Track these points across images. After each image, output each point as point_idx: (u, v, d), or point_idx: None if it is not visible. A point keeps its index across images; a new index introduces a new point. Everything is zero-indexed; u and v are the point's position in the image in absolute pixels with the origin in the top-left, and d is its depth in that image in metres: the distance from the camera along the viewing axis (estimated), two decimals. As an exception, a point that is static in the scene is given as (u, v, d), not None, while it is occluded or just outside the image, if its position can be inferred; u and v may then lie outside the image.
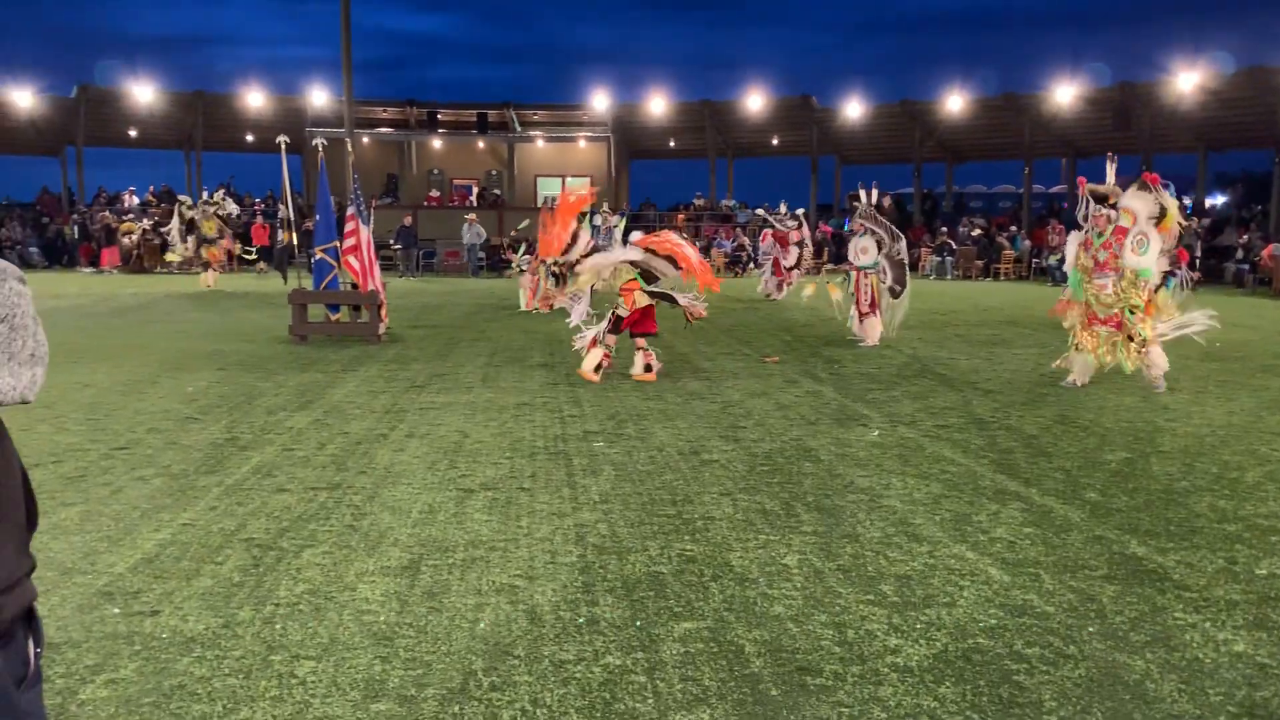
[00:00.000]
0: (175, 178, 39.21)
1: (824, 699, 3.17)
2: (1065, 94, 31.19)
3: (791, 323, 15.84)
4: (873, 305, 12.94)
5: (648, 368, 9.98)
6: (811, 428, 7.52)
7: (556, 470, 6.18)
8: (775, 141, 39.10)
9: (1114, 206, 9.05)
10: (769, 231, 22.39)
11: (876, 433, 7.33)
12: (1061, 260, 25.17)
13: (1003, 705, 3.14)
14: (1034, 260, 30.01)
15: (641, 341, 10.05)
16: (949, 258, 30.56)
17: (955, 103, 33.74)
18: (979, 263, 30.26)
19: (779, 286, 21.32)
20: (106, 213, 32.46)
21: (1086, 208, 9.36)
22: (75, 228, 32.25)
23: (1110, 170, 9.51)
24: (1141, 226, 8.89)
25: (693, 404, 8.53)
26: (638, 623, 3.76)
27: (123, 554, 4.58)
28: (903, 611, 3.88)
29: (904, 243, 13.13)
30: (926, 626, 3.74)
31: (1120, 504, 5.45)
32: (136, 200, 36.06)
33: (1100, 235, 9.09)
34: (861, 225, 13.06)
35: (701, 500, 5.50)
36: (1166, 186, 9.23)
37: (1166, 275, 9.09)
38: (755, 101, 36.73)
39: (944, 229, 32.43)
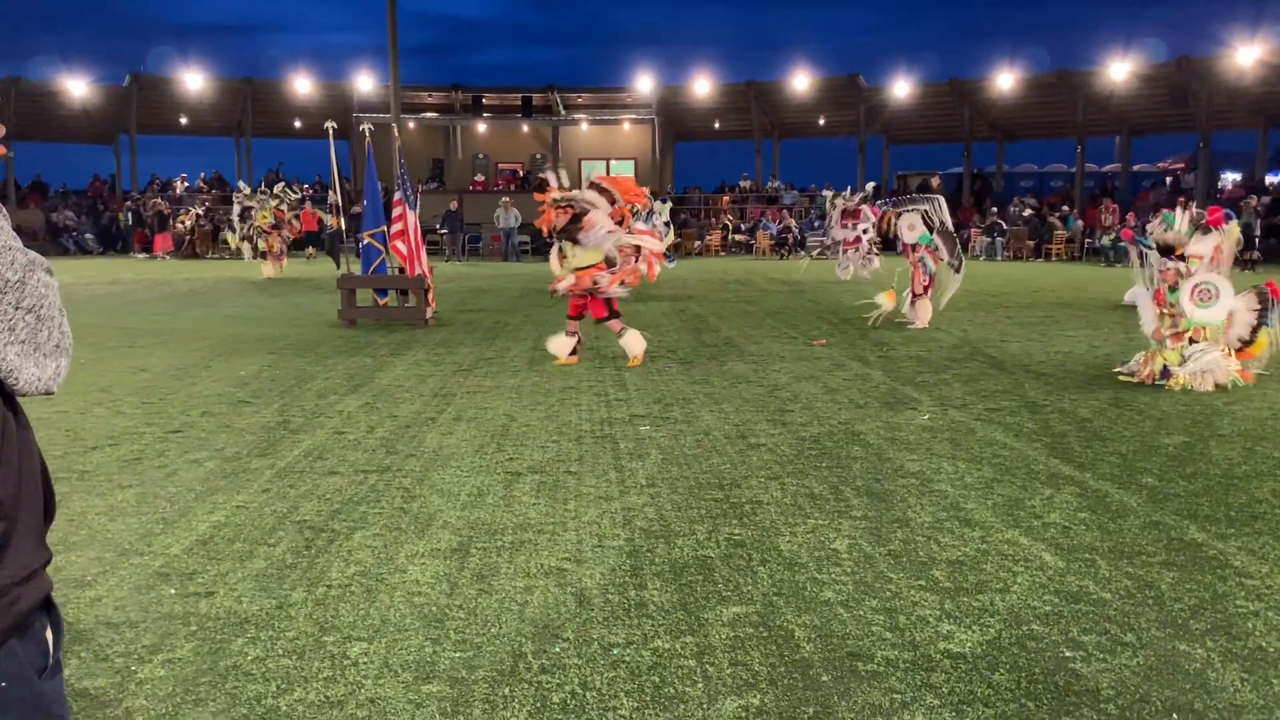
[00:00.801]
0: (225, 164, 39.72)
1: (875, 685, 3.14)
2: (1119, 70, 30.51)
3: (839, 305, 15.69)
4: (926, 288, 12.82)
5: (573, 351, 10.01)
6: (860, 411, 7.45)
7: (603, 454, 6.18)
8: (821, 122, 38.70)
9: (1182, 258, 8.27)
10: (844, 210, 21.33)
11: (926, 416, 7.24)
12: (1115, 239, 24.72)
13: (1058, 693, 3.08)
14: (1087, 240, 29.45)
15: (574, 326, 10.09)
16: (999, 238, 30.09)
17: (1005, 81, 33.17)
18: (1030, 243, 29.78)
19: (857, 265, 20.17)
20: (159, 199, 32.96)
21: (1143, 259, 8.60)
22: (129, 214, 32.80)
23: (1182, 218, 8.52)
24: (1207, 276, 8.18)
25: (739, 387, 8.49)
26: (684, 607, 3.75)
27: (178, 536, 4.65)
28: (955, 597, 3.83)
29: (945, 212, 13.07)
30: (979, 613, 3.69)
31: (1178, 489, 5.33)
32: (187, 186, 36.62)
33: (1174, 291, 8.28)
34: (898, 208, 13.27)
35: (749, 484, 5.47)
36: (1228, 218, 8.50)
37: (1262, 311, 8.25)
38: (801, 81, 36.37)
39: (994, 209, 31.93)
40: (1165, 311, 8.40)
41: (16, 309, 1.29)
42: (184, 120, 37.84)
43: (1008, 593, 3.88)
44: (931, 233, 12.82)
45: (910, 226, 12.90)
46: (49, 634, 1.40)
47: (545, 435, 6.68)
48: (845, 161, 39.52)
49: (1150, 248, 8.56)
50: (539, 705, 3.04)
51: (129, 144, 36.34)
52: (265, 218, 21.65)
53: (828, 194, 15.77)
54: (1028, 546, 4.42)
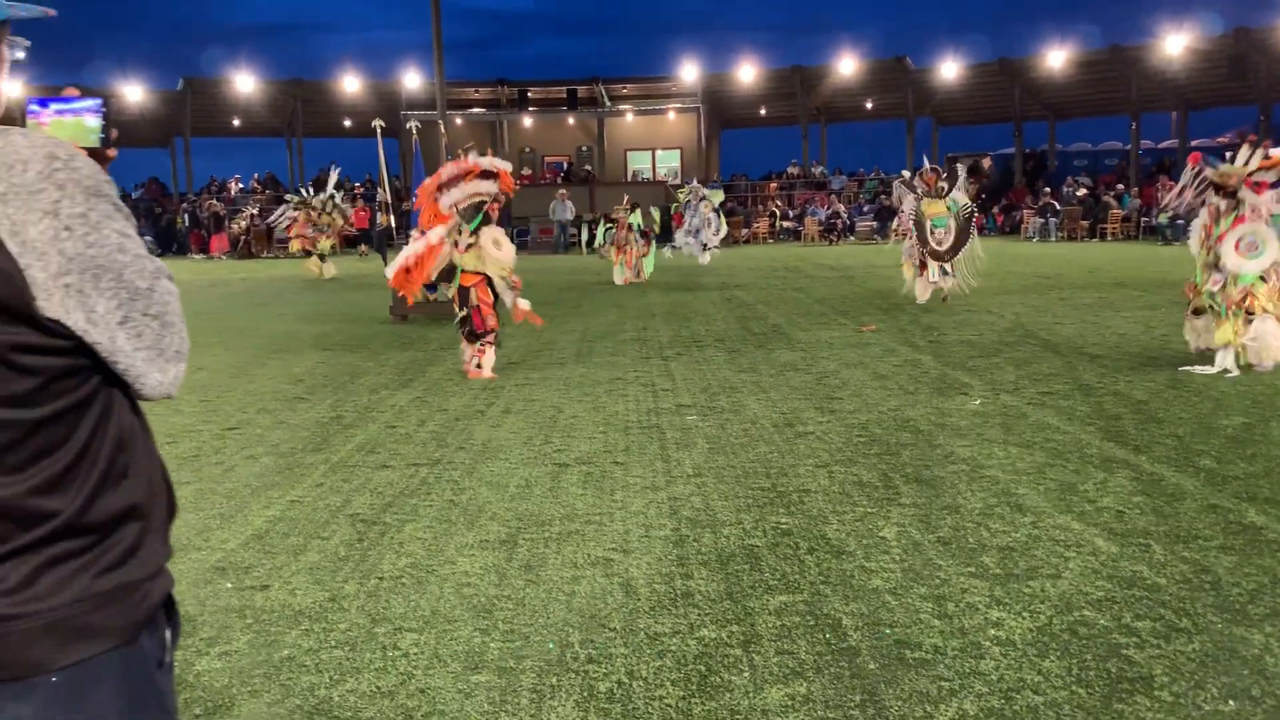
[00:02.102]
0: (278, 164, 40.31)
1: (923, 673, 3.12)
2: (1174, 44, 29.77)
3: (889, 290, 15.54)
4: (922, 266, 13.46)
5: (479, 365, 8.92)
6: (910, 397, 7.38)
7: (650, 444, 6.20)
8: (869, 105, 38.34)
9: (1233, 195, 7.98)
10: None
11: (978, 401, 7.16)
12: (1172, 218, 24.15)
13: (1111, 680, 3.04)
14: (1143, 219, 28.82)
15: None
16: (1052, 219, 29.57)
17: (1056, 58, 32.55)
18: (1084, 223, 29.22)
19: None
20: (214, 200, 33.58)
21: (1198, 191, 8.34)
22: (186, 216, 33.47)
23: (1253, 157, 8.05)
24: (1256, 227, 7.86)
25: (787, 375, 8.46)
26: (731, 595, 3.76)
27: (234, 530, 4.75)
28: (1005, 584, 3.79)
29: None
30: (1030, 599, 3.65)
31: (1237, 471, 5.22)
32: (241, 188, 37.25)
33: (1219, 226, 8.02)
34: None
35: (796, 473, 5.46)
36: None
37: None
38: (847, 65, 36.03)
39: (1047, 189, 31.38)
40: (1208, 245, 8.16)
41: (145, 315, 1.34)
42: (236, 122, 38.50)
43: (1059, 579, 3.83)
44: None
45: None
46: (168, 631, 1.46)
47: (592, 426, 6.71)
48: (894, 145, 39.12)
49: (1216, 167, 8.29)
50: (586, 694, 3.06)
51: (184, 147, 37.06)
52: (326, 220, 21.84)
53: (906, 174, 15.41)
54: (1080, 531, 4.36)
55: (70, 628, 1.30)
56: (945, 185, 13.61)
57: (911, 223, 13.88)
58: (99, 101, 1.44)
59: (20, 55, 1.41)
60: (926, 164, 14.37)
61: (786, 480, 5.31)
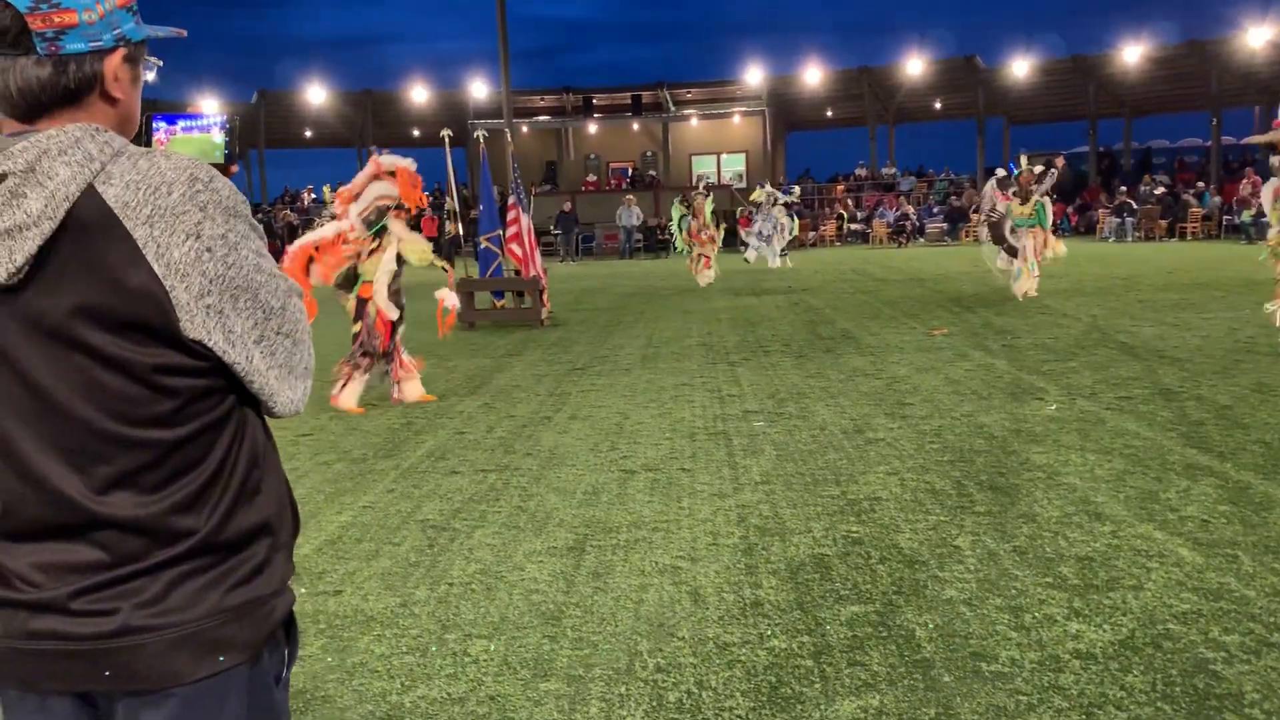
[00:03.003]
0: (349, 175, 40.98)
1: (1000, 686, 3.05)
2: (1257, 37, 28.84)
3: (960, 293, 15.30)
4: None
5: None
6: (984, 403, 7.24)
7: (716, 450, 6.16)
8: (938, 105, 37.82)
9: None
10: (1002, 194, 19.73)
11: (1054, 406, 6.99)
12: (1257, 214, 23.37)
13: (1198, 696, 2.94)
14: (1225, 218, 27.95)
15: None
16: (1129, 218, 28.83)
17: (1132, 54, 31.75)
18: (1163, 223, 28.44)
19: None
20: (288, 211, 34.33)
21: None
22: (261, 227, 34.27)
23: None
24: None
25: (856, 380, 8.35)
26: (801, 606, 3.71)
27: (308, 536, 4.82)
28: (1084, 595, 3.69)
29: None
30: (1111, 611, 3.54)
31: (1330, 479, 5.01)
32: (314, 198, 38.01)
33: None
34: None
35: (867, 480, 5.38)
36: None
37: None
38: (916, 65, 35.58)
39: (1123, 188, 30.61)
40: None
41: (278, 334, 1.37)
42: (309, 133, 39.30)
43: (1141, 590, 3.71)
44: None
45: None
46: (286, 649, 1.48)
47: (659, 433, 6.70)
48: (964, 145, 38.51)
49: None
50: (655, 704, 3.05)
51: (258, 159, 37.94)
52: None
53: (1001, 172, 15.23)
54: (1163, 541, 4.22)
55: (203, 641, 1.33)
56: (1037, 186, 13.99)
57: (994, 222, 14.44)
58: (225, 118, 1.47)
59: (152, 74, 1.44)
60: (1025, 162, 14.38)
61: (857, 488, 5.24)
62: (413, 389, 8.26)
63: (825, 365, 9.20)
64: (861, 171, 38.25)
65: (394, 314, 8.08)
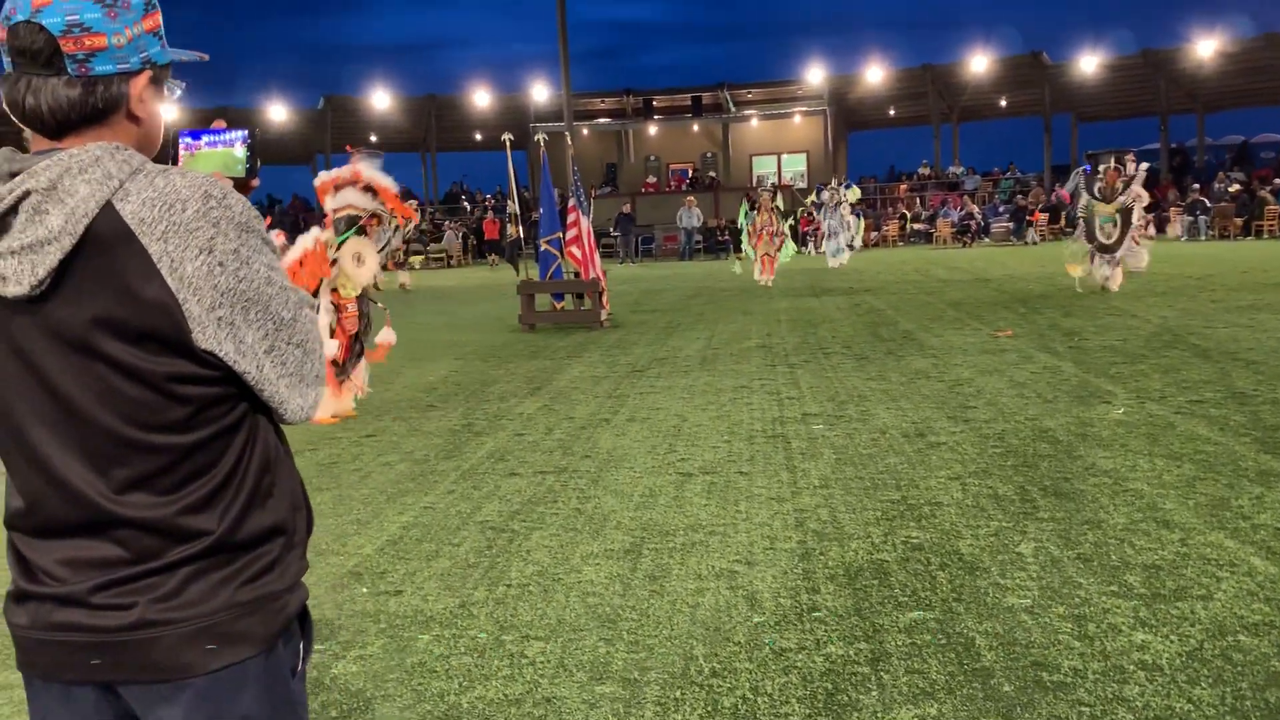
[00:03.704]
0: (412, 178, 41.65)
1: (1062, 696, 2.99)
2: (1340, 27, 27.90)
3: (1027, 294, 15.04)
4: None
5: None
6: (1048, 406, 7.11)
7: (775, 453, 6.13)
8: (1003, 103, 37.21)
9: None
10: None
11: (1121, 410, 6.84)
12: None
13: (1269, 711, 2.85)
14: (1304, 214, 27.08)
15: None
16: (1202, 216, 28.06)
17: (1205, 49, 30.92)
18: (1238, 221, 27.63)
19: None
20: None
21: None
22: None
23: None
24: None
25: (918, 383, 8.25)
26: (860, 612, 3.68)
27: (370, 536, 4.91)
28: (1151, 604, 3.60)
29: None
30: (1179, 621, 3.45)
31: None
32: (379, 202, 38.61)
33: None
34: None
35: (928, 484, 5.31)
36: None
37: None
38: (980, 62, 35.04)
39: (1195, 185, 29.81)
40: None
41: (289, 344, 1.42)
42: (373, 138, 39.88)
43: (1211, 600, 3.61)
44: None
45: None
46: (302, 641, 1.55)
47: (716, 435, 6.69)
48: (1030, 143, 37.85)
49: None
50: (710, 709, 3.04)
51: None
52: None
53: (1086, 168, 15.11)
54: (1234, 550, 4.11)
55: (216, 634, 1.39)
56: (1123, 185, 14.05)
57: (1081, 219, 14.64)
58: (245, 133, 1.51)
59: (176, 94, 1.49)
60: (1112, 161, 14.40)
61: (917, 492, 5.18)
62: (336, 403, 7.67)
63: (887, 367, 9.11)
64: (925, 170, 37.78)
65: (346, 324, 7.68)
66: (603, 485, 5.59)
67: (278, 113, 36.78)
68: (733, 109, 37.93)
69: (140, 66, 1.39)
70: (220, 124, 1.53)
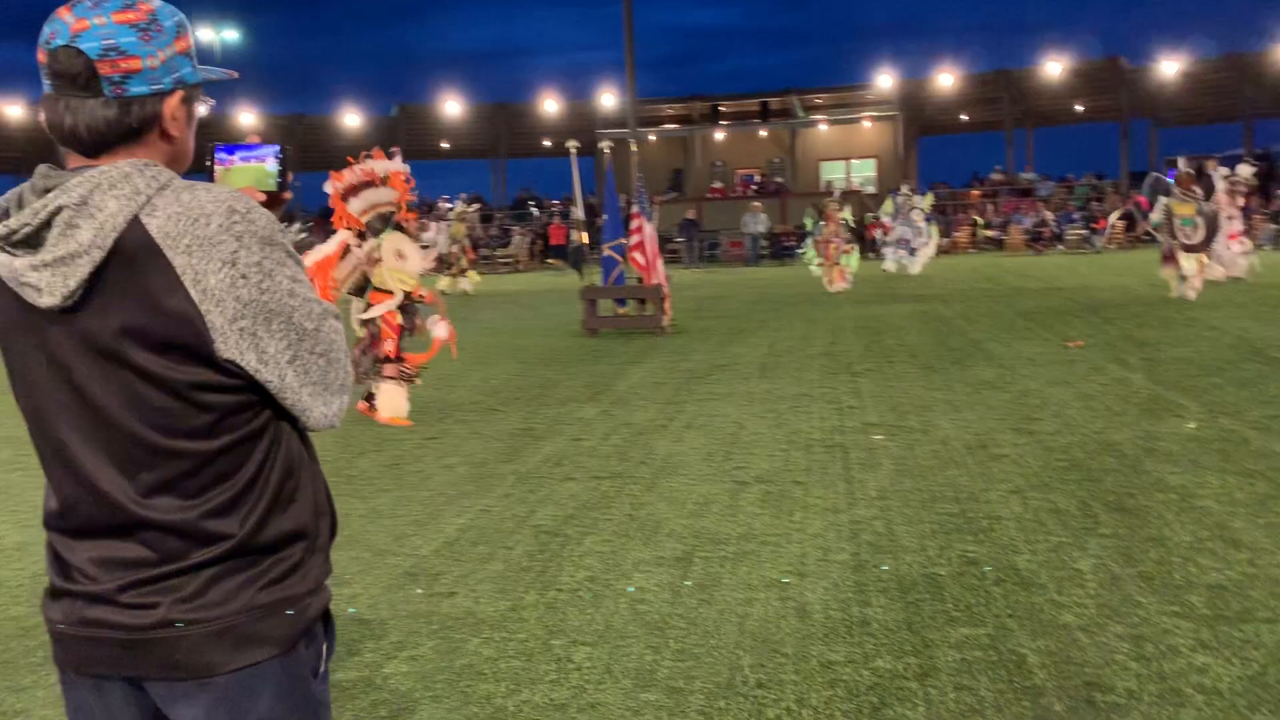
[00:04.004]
0: (482, 184, 42.18)
1: (1115, 718, 2.92)
2: None
3: (1100, 303, 14.69)
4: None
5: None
6: (1116, 419, 6.94)
7: (833, 463, 6.08)
8: (1079, 108, 36.42)
9: None
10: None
11: (1193, 424, 6.65)
12: None
13: (1335, 741, 2.76)
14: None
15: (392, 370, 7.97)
16: (1289, 224, 27.15)
17: (1294, 49, 29.94)
18: (1328, 228, 26.66)
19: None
20: (425, 220, 35.44)
21: None
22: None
23: None
24: None
25: (983, 394, 8.12)
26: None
27: (428, 537, 4.98)
28: (1213, 626, 3.50)
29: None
30: (1242, 644, 3.35)
31: None
32: (448, 206, 39.19)
33: None
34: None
35: (987, 498, 5.23)
36: None
37: None
38: (1055, 67, 34.37)
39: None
40: None
41: (312, 354, 1.47)
42: (445, 145, 40.52)
43: (1277, 624, 3.50)
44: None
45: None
46: (324, 643, 1.58)
47: (774, 444, 6.66)
48: (1106, 149, 37.04)
49: None
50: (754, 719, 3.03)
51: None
52: (459, 231, 22.83)
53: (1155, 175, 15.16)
54: (1306, 572, 3.97)
55: (237, 635, 1.43)
56: (1199, 190, 13.95)
57: (1161, 222, 14.47)
58: (277, 148, 1.56)
59: (204, 110, 1.54)
60: (1183, 166, 14.28)
61: (976, 506, 5.10)
62: (388, 405, 7.84)
63: (952, 377, 8.98)
64: (998, 176, 37.15)
65: (435, 326, 7.97)
66: (657, 492, 5.60)
67: (352, 120, 37.53)
68: (801, 114, 37.69)
69: (172, 87, 1.45)
70: (254, 139, 1.58)
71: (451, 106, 38.27)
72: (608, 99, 36.93)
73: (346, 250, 7.63)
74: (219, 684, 1.44)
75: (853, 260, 19.40)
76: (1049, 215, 31.31)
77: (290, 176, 1.59)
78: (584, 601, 4.03)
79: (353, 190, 7.62)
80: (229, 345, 1.38)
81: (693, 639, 3.61)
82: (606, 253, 14.03)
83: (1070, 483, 5.42)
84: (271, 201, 1.56)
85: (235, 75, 1.62)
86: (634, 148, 16.16)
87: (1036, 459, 5.96)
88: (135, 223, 1.36)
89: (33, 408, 1.47)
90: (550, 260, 30.63)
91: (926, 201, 23.87)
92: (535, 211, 39.20)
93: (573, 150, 14.38)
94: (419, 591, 4.24)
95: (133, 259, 1.36)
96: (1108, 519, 4.76)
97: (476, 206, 25.79)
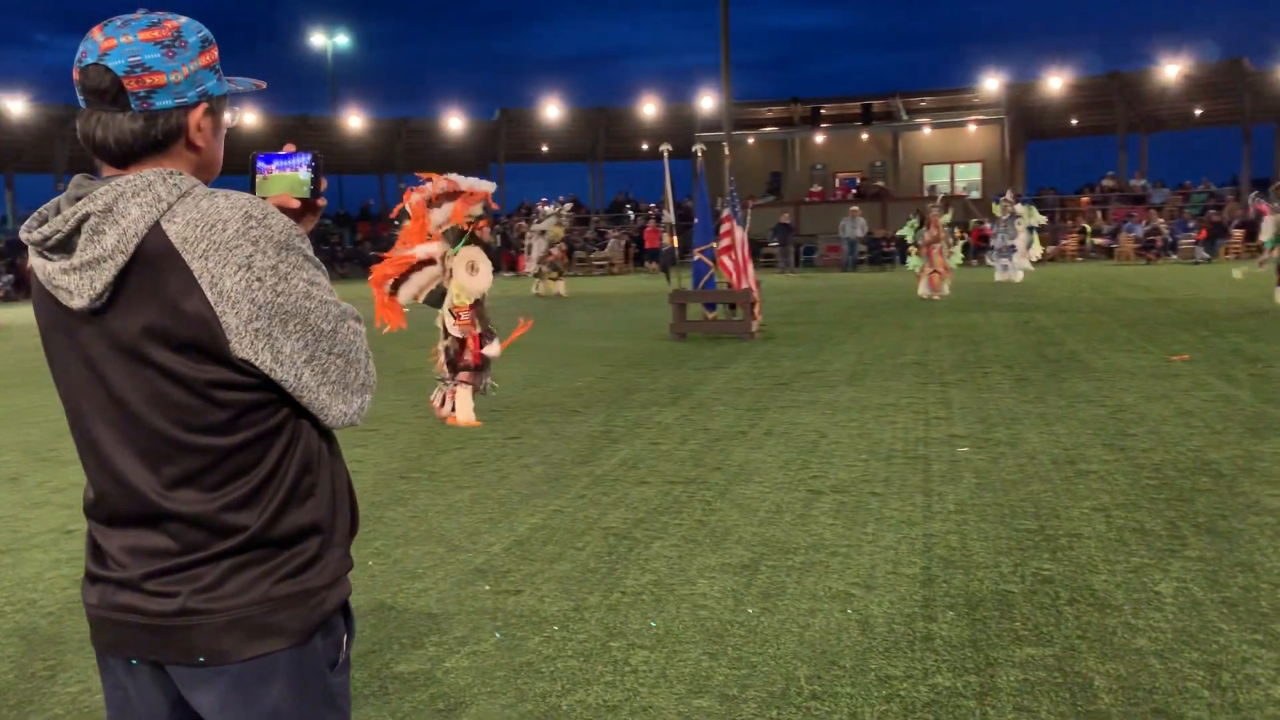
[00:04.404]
0: (581, 187, 42.61)
1: (1183, 750, 2.81)
2: None
3: (1211, 315, 14.10)
4: None
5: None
6: (1216, 436, 6.66)
7: (912, 475, 5.98)
8: (1198, 112, 34.99)
9: None
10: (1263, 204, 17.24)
11: (1299, 444, 6.34)
12: None
13: None
14: None
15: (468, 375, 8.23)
16: None
17: None
18: None
19: None
20: (523, 222, 35.94)
21: None
22: (498, 237, 36.04)
23: None
24: None
25: (1077, 407, 7.87)
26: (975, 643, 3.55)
27: (500, 535, 5.06)
28: (1300, 658, 3.34)
29: None
30: (1329, 678, 3.19)
31: None
32: (548, 209, 39.68)
33: None
34: None
35: (1069, 515, 5.07)
36: None
37: None
38: (1171, 70, 33.08)
39: None
40: None
41: (330, 354, 1.53)
42: (545, 148, 41.04)
43: (1370, 658, 3.32)
44: None
45: None
46: (345, 634, 1.64)
47: (854, 453, 6.57)
48: (1226, 154, 35.47)
49: None
50: (805, 731, 3.01)
51: (498, 173, 39.96)
52: (558, 233, 23.02)
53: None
54: (1407, 605, 3.75)
55: (252, 625, 1.49)
56: None
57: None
58: (310, 156, 1.62)
59: (231, 120, 1.61)
60: None
61: (1057, 523, 4.95)
62: (464, 409, 8.10)
63: (1046, 389, 8.73)
64: (1109, 182, 35.93)
65: (455, 331, 8.02)
66: (729, 498, 5.59)
67: (455, 124, 38.29)
68: (904, 117, 37.07)
69: (197, 100, 1.52)
70: (290, 148, 1.64)
71: (551, 110, 38.75)
72: (706, 102, 36.90)
73: (429, 260, 7.75)
74: (233, 671, 1.50)
75: (955, 257, 19.14)
76: (1162, 223, 30.16)
77: (324, 184, 1.65)
78: (646, 605, 4.04)
79: (437, 200, 7.68)
80: (244, 345, 1.45)
81: (751, 647, 3.60)
82: (697, 256, 14.02)
83: (1159, 502, 5.22)
84: (305, 208, 1.62)
85: (263, 85, 1.68)
86: (726, 151, 16.10)
87: (1126, 476, 5.76)
88: (156, 228, 1.43)
89: (70, 404, 1.56)
90: (647, 264, 30.73)
91: (1030, 212, 23.26)
92: (631, 215, 39.42)
93: (665, 153, 14.42)
94: (486, 588, 4.31)
95: (154, 263, 1.43)
96: (1196, 541, 4.57)
97: (569, 208, 26.01)
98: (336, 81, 48.18)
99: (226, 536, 1.49)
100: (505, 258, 34.86)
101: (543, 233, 23.19)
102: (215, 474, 1.49)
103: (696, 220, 14.52)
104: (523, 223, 35.93)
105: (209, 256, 1.42)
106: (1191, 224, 30.45)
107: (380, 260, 7.79)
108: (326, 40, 48.30)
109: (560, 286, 23.18)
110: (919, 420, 7.61)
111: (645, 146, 39.04)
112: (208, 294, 1.42)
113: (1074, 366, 9.96)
